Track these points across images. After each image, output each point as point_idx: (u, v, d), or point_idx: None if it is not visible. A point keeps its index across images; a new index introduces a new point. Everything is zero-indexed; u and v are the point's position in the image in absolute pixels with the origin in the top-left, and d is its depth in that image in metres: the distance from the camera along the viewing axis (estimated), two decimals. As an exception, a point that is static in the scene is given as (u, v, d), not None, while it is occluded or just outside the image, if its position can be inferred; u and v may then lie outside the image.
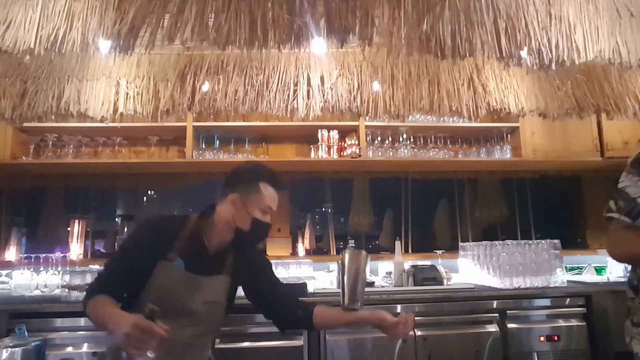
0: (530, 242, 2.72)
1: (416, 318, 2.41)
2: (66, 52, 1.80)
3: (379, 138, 3.30)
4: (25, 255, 2.80)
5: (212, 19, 1.72)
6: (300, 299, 1.67)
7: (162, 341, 1.10)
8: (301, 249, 3.51)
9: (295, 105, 2.61)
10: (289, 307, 1.61)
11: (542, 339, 2.43)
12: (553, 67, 1.83)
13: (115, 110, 2.59)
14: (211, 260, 1.53)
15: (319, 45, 1.87)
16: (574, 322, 2.49)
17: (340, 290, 1.58)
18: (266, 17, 1.71)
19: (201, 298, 1.46)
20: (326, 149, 3.22)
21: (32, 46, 1.76)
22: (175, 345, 1.39)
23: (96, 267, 2.69)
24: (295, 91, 2.63)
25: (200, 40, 1.71)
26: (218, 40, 1.71)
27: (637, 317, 1.30)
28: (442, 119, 3.18)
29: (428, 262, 2.93)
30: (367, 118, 2.92)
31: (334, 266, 2.92)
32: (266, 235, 1.64)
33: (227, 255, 1.57)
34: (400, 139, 3.32)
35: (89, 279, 2.39)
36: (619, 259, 1.27)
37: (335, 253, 3.51)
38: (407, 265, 2.86)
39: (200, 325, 1.48)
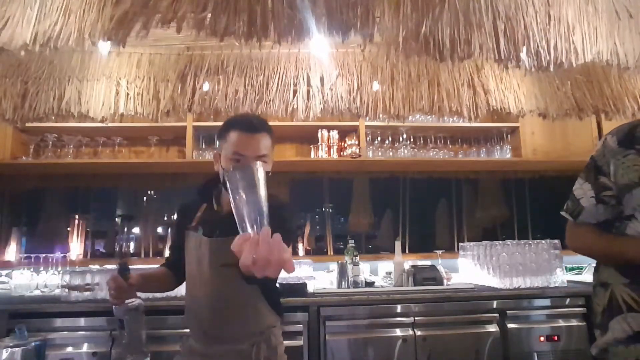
0: (530, 242, 2.72)
1: (416, 318, 2.44)
2: (65, 51, 1.80)
3: (379, 138, 3.30)
4: (25, 255, 2.80)
5: (210, 9, 1.69)
6: None
7: (132, 292, 1.32)
8: (301, 249, 3.51)
9: (295, 106, 2.61)
10: None
11: (542, 339, 2.44)
12: (551, 68, 1.83)
13: (116, 110, 2.59)
14: (226, 223, 1.32)
15: (319, 42, 1.85)
16: (574, 322, 2.49)
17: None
18: (265, 10, 1.69)
19: (218, 261, 1.43)
20: (326, 149, 3.22)
21: (27, 42, 1.75)
22: (211, 311, 1.44)
23: (96, 267, 2.67)
24: (295, 92, 2.64)
25: (197, 30, 1.68)
26: (216, 30, 1.68)
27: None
28: (442, 119, 3.18)
29: (428, 262, 2.94)
30: (367, 118, 2.92)
31: (334, 266, 2.91)
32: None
33: None
34: (400, 139, 3.32)
35: (88, 279, 2.39)
36: (576, 251, 1.48)
37: (334, 253, 3.51)
38: (407, 265, 2.86)
39: (225, 289, 1.44)
